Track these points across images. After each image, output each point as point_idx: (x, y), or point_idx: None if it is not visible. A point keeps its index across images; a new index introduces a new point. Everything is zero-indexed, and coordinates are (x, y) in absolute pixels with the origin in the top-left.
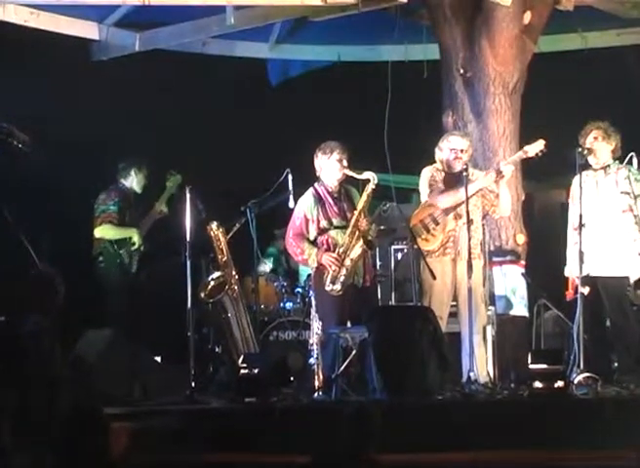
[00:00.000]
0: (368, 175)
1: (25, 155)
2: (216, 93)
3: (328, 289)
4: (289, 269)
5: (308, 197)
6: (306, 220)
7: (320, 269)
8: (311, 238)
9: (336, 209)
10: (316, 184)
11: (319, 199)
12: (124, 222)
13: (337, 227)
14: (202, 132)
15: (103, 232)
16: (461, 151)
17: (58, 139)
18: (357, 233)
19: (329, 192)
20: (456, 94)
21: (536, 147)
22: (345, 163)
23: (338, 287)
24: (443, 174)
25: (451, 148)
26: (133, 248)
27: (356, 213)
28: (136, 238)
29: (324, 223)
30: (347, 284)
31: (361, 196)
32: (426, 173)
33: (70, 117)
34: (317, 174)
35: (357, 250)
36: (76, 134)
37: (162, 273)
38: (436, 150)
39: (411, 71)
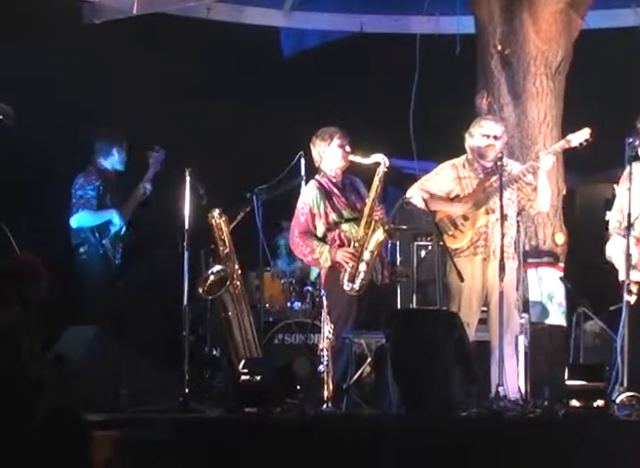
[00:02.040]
0: (376, 157)
1: (6, 129)
2: (221, 64)
3: (347, 288)
4: (303, 263)
5: (311, 190)
6: (312, 216)
7: (335, 268)
8: (320, 235)
9: (344, 200)
10: (317, 176)
11: (324, 191)
12: (104, 206)
13: (348, 220)
14: (205, 108)
15: (80, 221)
16: (495, 138)
17: (40, 112)
18: (373, 223)
19: (333, 183)
20: (491, 73)
21: (580, 136)
22: (348, 148)
23: (357, 285)
24: (469, 169)
25: (483, 134)
26: (113, 231)
27: (369, 200)
28: (116, 219)
29: (333, 217)
30: (367, 281)
31: (372, 182)
32: (449, 172)
33: (56, 87)
34: (317, 164)
35: (375, 240)
36: (62, 106)
37: (154, 265)
38: (466, 136)
39: (441, 46)
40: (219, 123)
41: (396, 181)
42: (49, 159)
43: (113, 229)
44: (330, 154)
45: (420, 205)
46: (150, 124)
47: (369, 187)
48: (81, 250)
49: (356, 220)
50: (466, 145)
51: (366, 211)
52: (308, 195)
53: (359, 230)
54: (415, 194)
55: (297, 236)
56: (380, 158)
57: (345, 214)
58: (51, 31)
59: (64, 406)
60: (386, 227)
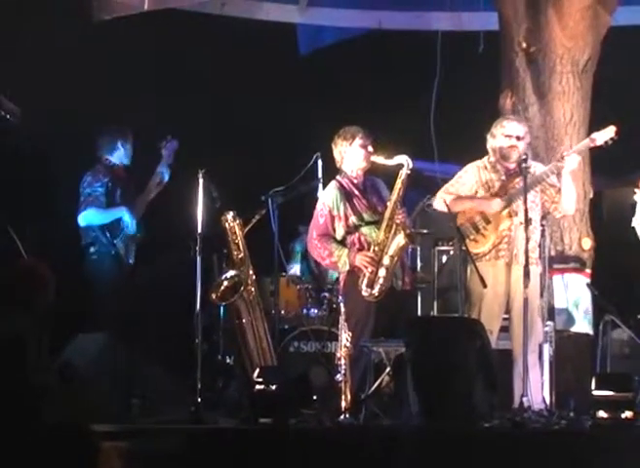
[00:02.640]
0: (400, 159)
1: (13, 128)
2: (235, 62)
3: (365, 294)
4: (318, 270)
5: (332, 191)
6: (332, 218)
7: (353, 272)
8: (339, 237)
9: (365, 202)
10: (338, 177)
11: (345, 192)
12: (114, 203)
13: (369, 223)
14: (218, 107)
15: (88, 219)
16: (518, 138)
17: (50, 111)
18: (394, 227)
19: (354, 184)
20: (516, 71)
21: (605, 135)
22: (371, 148)
23: (376, 291)
24: (491, 171)
25: (505, 135)
26: (125, 230)
27: (390, 203)
28: (126, 217)
29: (353, 219)
30: (387, 287)
31: (394, 184)
32: (472, 174)
33: (66, 85)
34: (338, 165)
35: (395, 244)
36: (72, 105)
37: (167, 269)
38: (488, 137)
39: (464, 44)
40: (233, 123)
41: (416, 184)
42: (55, 158)
43: (125, 228)
44: (351, 154)
45: (442, 208)
46: (162, 123)
47: (391, 189)
48: (91, 249)
49: (377, 224)
50: (488, 146)
51: (387, 214)
52: (328, 196)
53: (379, 234)
54: (438, 199)
55: (315, 238)
56: (403, 159)
57: (366, 216)
58: (60, 28)
59: (71, 415)
60: (408, 231)
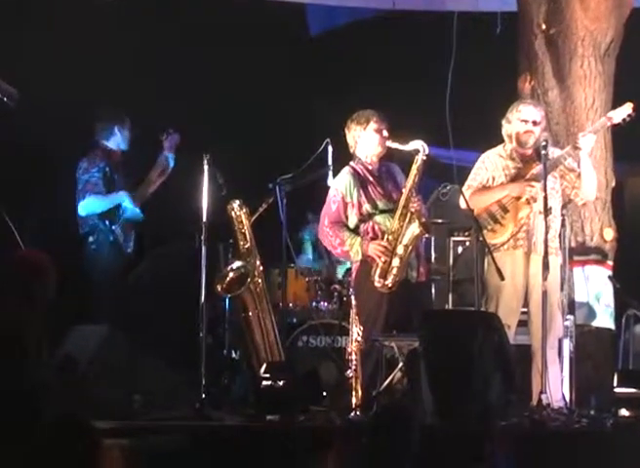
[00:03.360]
0: (416, 144)
1: (10, 111)
2: (242, 43)
3: (378, 285)
4: (329, 261)
5: (345, 177)
6: (345, 205)
7: (366, 262)
8: (351, 225)
9: (379, 189)
10: (352, 163)
11: (359, 179)
12: (113, 189)
13: (383, 211)
14: (225, 90)
15: (89, 207)
16: (534, 123)
17: (47, 96)
18: (408, 215)
19: (369, 170)
20: (535, 54)
21: (622, 112)
22: (386, 133)
23: (389, 281)
24: (507, 157)
25: (521, 119)
26: (123, 216)
27: (405, 190)
28: (127, 202)
29: (367, 207)
30: (400, 278)
31: (409, 171)
32: (493, 160)
33: (65, 69)
34: (352, 150)
35: (410, 233)
36: (71, 89)
37: (170, 260)
38: (503, 123)
39: (481, 25)
40: (240, 107)
41: (431, 172)
42: (54, 143)
43: (124, 214)
44: (366, 139)
45: (464, 206)
46: (167, 108)
47: (406, 176)
48: (90, 239)
49: (391, 212)
50: (503, 132)
51: (401, 201)
52: (342, 182)
53: (393, 222)
54: (461, 199)
55: (327, 226)
56: (419, 145)
57: (380, 204)
58: (61, 10)
59: (71, 411)
60: (423, 220)
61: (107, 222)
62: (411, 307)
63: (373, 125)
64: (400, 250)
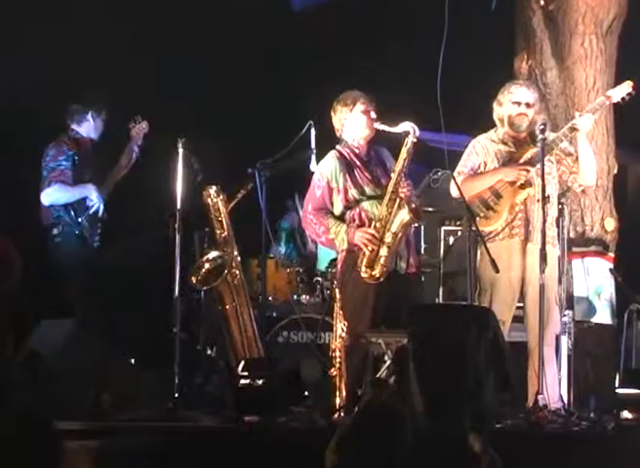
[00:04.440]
0: (406, 126)
1: None
2: (220, 20)
3: (365, 275)
4: (305, 251)
5: (330, 161)
6: (330, 190)
7: (352, 251)
8: (337, 212)
9: (367, 174)
10: (338, 146)
11: (345, 163)
12: (82, 180)
13: (370, 197)
14: (200, 69)
15: (53, 196)
16: (527, 105)
17: (6, 75)
18: (397, 201)
19: (356, 154)
20: (533, 32)
21: (621, 91)
22: (374, 115)
23: (377, 272)
24: (499, 142)
25: (513, 102)
26: (91, 210)
27: (394, 174)
28: (93, 196)
29: (354, 193)
30: (389, 268)
31: (399, 154)
32: (484, 145)
33: (26, 45)
34: (338, 133)
35: (399, 220)
36: (33, 67)
37: (142, 250)
38: (494, 106)
39: (475, 1)
40: (217, 87)
41: (421, 157)
42: (23, 131)
43: (91, 207)
44: (352, 121)
45: (458, 195)
46: (138, 88)
47: (396, 160)
48: (54, 231)
49: (379, 198)
50: (494, 116)
51: (390, 186)
52: (327, 166)
53: (382, 209)
54: (452, 186)
55: (310, 212)
56: (408, 126)
57: (368, 190)
58: None
59: (33, 411)
60: (413, 206)
61: (73, 214)
62: (400, 301)
63: (360, 106)
64: (388, 238)
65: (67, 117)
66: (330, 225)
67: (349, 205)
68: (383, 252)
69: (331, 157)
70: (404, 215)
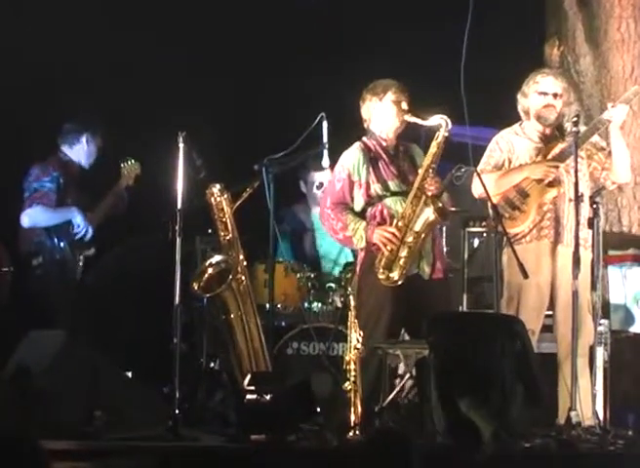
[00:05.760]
0: (437, 119)
1: None
2: (224, 8)
3: (382, 277)
4: (302, 252)
5: (354, 153)
6: (351, 184)
7: (371, 252)
8: (357, 208)
9: (393, 168)
10: (365, 138)
11: (370, 156)
12: (64, 203)
13: (395, 193)
14: (203, 58)
15: (34, 218)
16: (555, 96)
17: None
18: (423, 198)
19: (382, 147)
20: (565, 16)
21: None
22: (405, 106)
23: (395, 274)
24: (525, 137)
25: (539, 92)
26: (77, 236)
27: (421, 169)
28: (78, 219)
29: (377, 188)
30: (409, 272)
31: (429, 147)
32: (503, 143)
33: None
34: (366, 124)
35: (423, 219)
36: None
37: (139, 254)
38: (518, 97)
39: None
40: (221, 77)
41: (443, 152)
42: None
43: (77, 233)
44: (382, 111)
45: (482, 194)
46: (138, 79)
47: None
48: (34, 263)
49: (404, 195)
50: (519, 108)
51: (417, 182)
52: (349, 158)
53: (406, 205)
54: (475, 185)
55: (328, 207)
56: (440, 119)
57: (392, 185)
58: None
59: (21, 430)
60: (439, 205)
61: (55, 239)
62: (421, 309)
63: (390, 96)
64: (410, 237)
65: (59, 138)
66: (348, 221)
67: (371, 201)
68: (404, 252)
69: (355, 148)
70: (429, 214)
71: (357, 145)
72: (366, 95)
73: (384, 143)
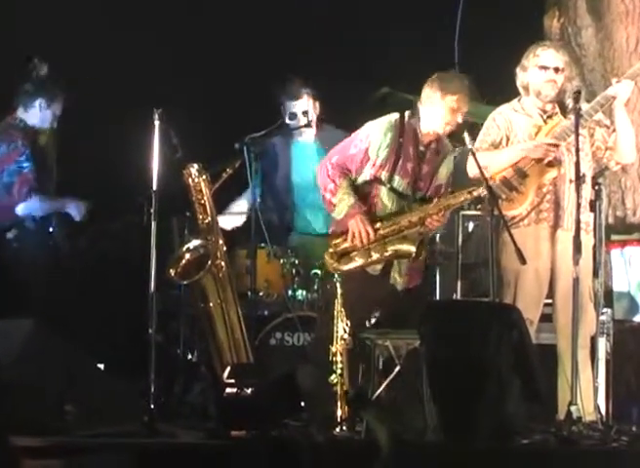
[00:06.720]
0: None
1: None
2: None
3: (327, 258)
4: (274, 184)
5: (386, 126)
6: (366, 158)
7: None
8: (359, 180)
9: (409, 165)
10: (407, 115)
11: (399, 141)
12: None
13: (393, 190)
14: (179, 32)
15: (30, 209)
16: (556, 70)
17: None
18: (418, 227)
19: (415, 138)
20: None
21: None
22: (460, 118)
23: (340, 267)
24: (523, 113)
25: (540, 66)
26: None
27: (440, 206)
28: (74, 211)
29: (383, 174)
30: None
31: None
32: (501, 120)
33: None
34: (419, 105)
35: (399, 248)
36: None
37: (112, 238)
38: (517, 71)
39: None
40: (199, 51)
41: None
42: None
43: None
44: (434, 110)
45: (473, 172)
46: (110, 55)
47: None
48: (9, 236)
49: (401, 197)
50: (518, 83)
51: (426, 210)
52: (377, 134)
53: (400, 221)
54: (470, 163)
55: (332, 163)
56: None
57: (397, 182)
58: None
59: None
60: (422, 250)
61: (40, 221)
62: (390, 317)
63: (450, 99)
64: (374, 255)
65: (16, 96)
66: (340, 189)
67: (371, 183)
68: (359, 255)
69: (389, 123)
70: (407, 247)
71: (393, 121)
72: (432, 83)
73: (419, 135)
